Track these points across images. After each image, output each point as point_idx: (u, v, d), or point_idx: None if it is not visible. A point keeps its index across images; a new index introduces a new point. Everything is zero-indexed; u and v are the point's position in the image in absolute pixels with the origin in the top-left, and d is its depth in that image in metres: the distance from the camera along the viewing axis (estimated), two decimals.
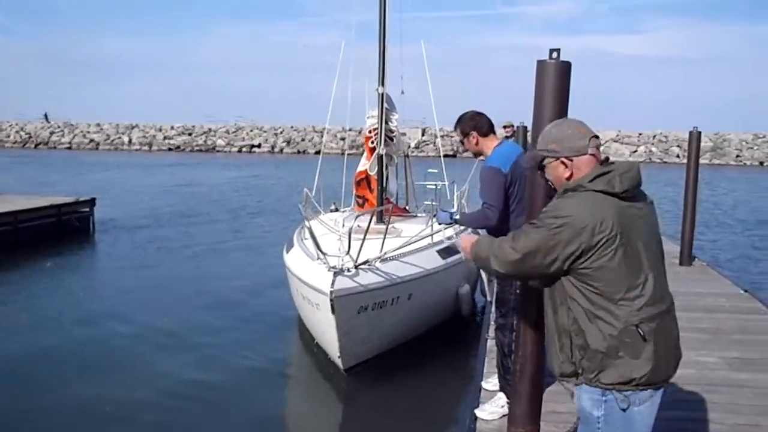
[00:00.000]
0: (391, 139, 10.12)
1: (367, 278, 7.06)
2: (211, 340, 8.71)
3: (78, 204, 17.38)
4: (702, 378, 5.43)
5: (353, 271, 6.90)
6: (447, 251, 8.49)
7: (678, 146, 55.63)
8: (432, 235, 8.37)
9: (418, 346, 8.19)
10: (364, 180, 10.38)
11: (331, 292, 6.66)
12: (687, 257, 10.33)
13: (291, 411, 7.21)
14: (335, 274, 6.71)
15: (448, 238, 8.44)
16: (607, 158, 2.76)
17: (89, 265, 14.61)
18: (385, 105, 9.78)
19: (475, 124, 4.85)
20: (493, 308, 5.15)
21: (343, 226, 7.57)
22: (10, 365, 7.82)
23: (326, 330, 7.09)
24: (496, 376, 5.09)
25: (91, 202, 17.69)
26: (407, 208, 11.30)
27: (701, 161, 11.61)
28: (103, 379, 7.39)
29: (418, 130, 59.01)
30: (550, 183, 2.85)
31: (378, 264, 7.25)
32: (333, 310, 6.74)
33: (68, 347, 8.49)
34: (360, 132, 10.47)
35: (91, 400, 6.77)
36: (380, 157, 9.85)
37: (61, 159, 49.70)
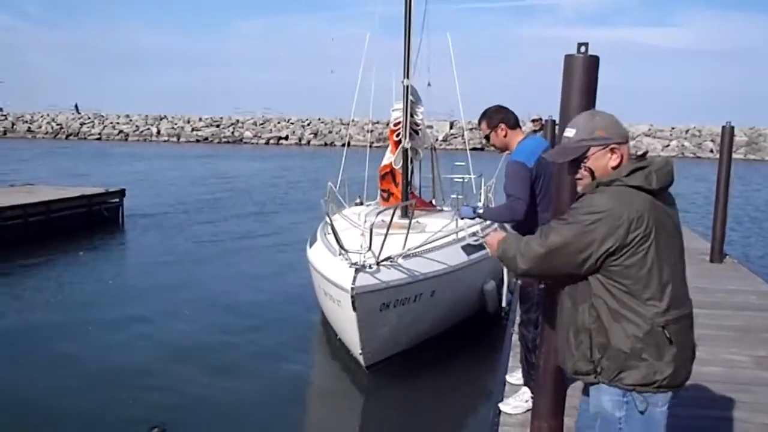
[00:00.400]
0: (417, 133, 9.95)
1: (389, 275, 6.98)
2: (233, 336, 8.71)
3: (108, 195, 17.65)
4: (731, 376, 5.36)
5: (375, 267, 6.83)
6: (472, 247, 8.37)
7: (711, 141, 54.74)
8: (457, 230, 8.24)
9: (442, 342, 8.15)
10: (389, 174, 10.24)
11: (353, 288, 6.59)
12: (718, 254, 10.18)
13: (313, 407, 7.18)
14: (357, 271, 6.65)
15: (473, 234, 8.32)
16: (646, 153, 2.69)
17: (119, 256, 14.80)
18: (410, 97, 9.62)
19: (502, 117, 4.80)
20: (518, 304, 5.13)
21: (366, 221, 7.53)
22: (42, 347, 8.04)
23: (348, 327, 7.05)
24: (521, 370, 5.08)
25: (121, 193, 17.95)
26: (433, 202, 11.17)
27: (735, 156, 11.45)
28: (123, 362, 7.63)
29: (446, 123, 58.86)
30: (580, 178, 2.73)
31: (401, 260, 7.16)
32: (354, 307, 6.68)
33: (94, 340, 8.65)
34: (387, 125, 10.34)
35: (108, 387, 6.94)
36: (405, 151, 9.73)
37: (91, 150, 50.42)
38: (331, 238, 7.78)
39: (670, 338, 2.57)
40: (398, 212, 9.20)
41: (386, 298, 7.00)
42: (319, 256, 8.05)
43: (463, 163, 11.03)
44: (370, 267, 6.78)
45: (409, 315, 7.40)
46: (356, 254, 6.89)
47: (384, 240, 6.85)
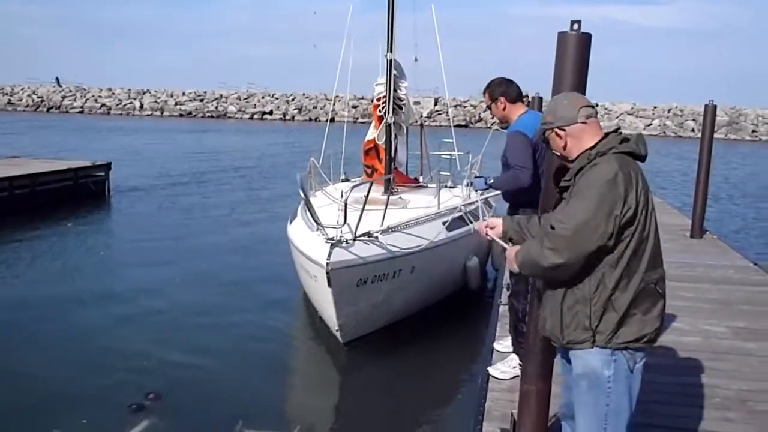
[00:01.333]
0: (400, 108, 9.77)
1: (367, 250, 6.86)
2: (215, 310, 8.73)
3: (94, 168, 17.62)
4: (709, 346, 5.57)
5: (352, 242, 6.70)
6: (454, 223, 8.20)
7: (693, 120, 55.21)
8: (438, 206, 8.17)
9: (425, 319, 8.13)
10: (372, 149, 10.12)
11: (328, 264, 6.49)
12: (698, 230, 10.40)
13: (292, 384, 7.10)
14: (332, 246, 6.55)
15: (455, 209, 8.26)
16: (618, 128, 2.93)
17: (106, 228, 14.83)
18: (393, 72, 9.42)
19: (503, 90, 4.88)
20: (507, 275, 5.27)
21: (344, 197, 7.47)
22: (31, 319, 8.12)
23: (325, 303, 6.94)
24: (509, 338, 5.24)
25: (107, 167, 17.92)
26: (420, 178, 11.14)
27: (716, 136, 11.62)
28: (115, 329, 7.82)
29: (431, 100, 58.75)
30: (556, 154, 2.98)
31: (379, 236, 7.04)
32: (330, 283, 6.58)
33: (89, 299, 8.79)
34: (372, 100, 10.26)
35: (103, 347, 7.17)
36: (388, 126, 9.55)
37: (74, 123, 49.90)
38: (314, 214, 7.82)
39: (661, 294, 2.80)
40: (380, 188, 9.23)
41: (363, 274, 6.89)
42: (298, 231, 7.93)
43: (450, 140, 11.04)
44: (346, 242, 6.67)
45: (388, 291, 7.31)
46: (333, 229, 6.75)
47: (360, 215, 6.73)
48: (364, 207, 6.76)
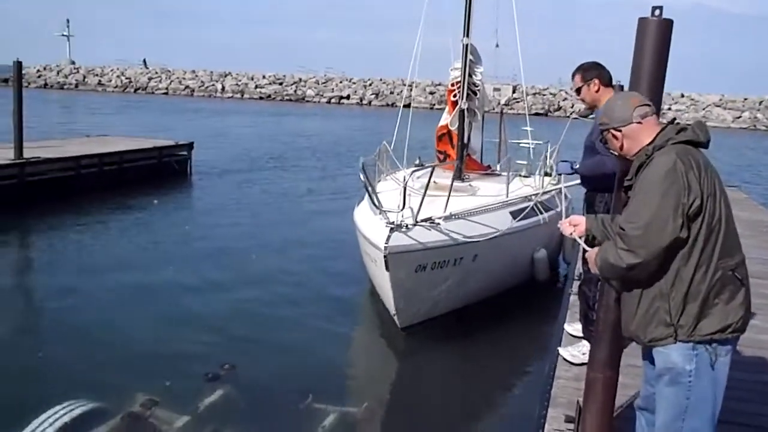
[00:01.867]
0: (475, 93, 9.58)
1: (427, 236, 6.80)
2: (286, 289, 8.94)
3: (177, 147, 18.29)
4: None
5: (412, 227, 6.65)
6: (522, 213, 8.08)
7: None
8: (507, 194, 8.03)
9: (492, 307, 8.06)
10: (446, 135, 9.99)
11: (386, 248, 6.48)
12: None
13: (360, 364, 7.24)
14: (391, 230, 6.54)
15: (527, 199, 8.13)
16: (674, 119, 2.90)
17: (189, 204, 15.48)
18: (469, 57, 9.28)
19: (597, 73, 4.80)
20: (579, 264, 5.24)
21: (410, 181, 7.31)
22: (122, 284, 8.61)
23: (383, 286, 6.96)
24: (580, 325, 5.22)
25: (190, 146, 18.54)
26: (497, 166, 10.86)
27: None
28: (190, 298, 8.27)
29: (509, 87, 58.03)
30: (614, 153, 2.97)
31: (441, 222, 6.94)
32: (387, 267, 6.58)
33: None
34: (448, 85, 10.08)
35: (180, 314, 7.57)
36: (461, 112, 9.39)
37: (158, 104, 51.68)
38: (375, 198, 7.69)
39: (741, 280, 2.74)
40: (451, 174, 9.13)
41: (422, 260, 6.85)
42: (362, 215, 7.95)
43: (530, 129, 10.82)
44: (406, 227, 6.62)
45: (448, 278, 7.25)
46: (394, 214, 6.73)
47: (422, 200, 6.69)
48: (425, 192, 6.74)
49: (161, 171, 17.27)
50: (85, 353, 6.62)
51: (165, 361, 6.48)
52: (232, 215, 13.67)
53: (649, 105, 2.87)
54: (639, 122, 2.82)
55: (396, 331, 7.24)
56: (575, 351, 4.96)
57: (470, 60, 9.32)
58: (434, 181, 7.67)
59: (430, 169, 8.49)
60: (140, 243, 11.19)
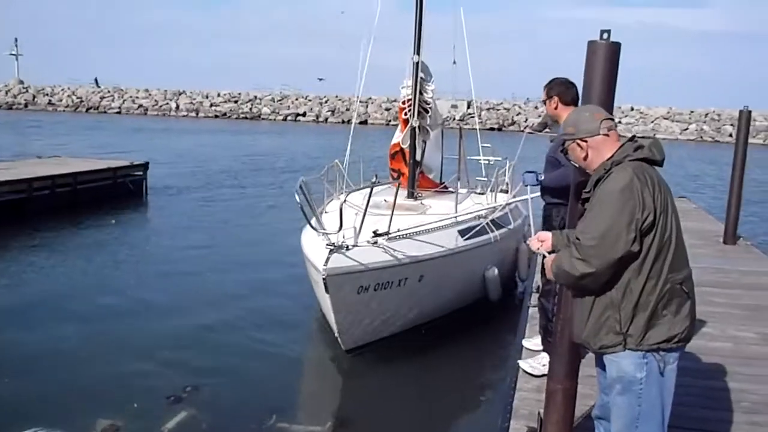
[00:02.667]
0: (426, 111, 9.41)
1: (370, 256, 6.62)
2: (239, 310, 8.79)
3: (132, 168, 18.05)
4: (738, 351, 5.59)
5: (353, 248, 6.47)
6: (472, 231, 7.94)
7: (731, 125, 54.14)
8: (456, 212, 7.88)
9: (449, 325, 7.99)
10: (398, 153, 9.76)
11: (325, 269, 6.30)
12: (731, 236, 10.33)
13: (325, 384, 7.16)
14: (331, 251, 6.34)
15: (478, 218, 8.04)
16: (634, 136, 3.00)
17: (146, 225, 15.29)
18: (420, 75, 9.14)
19: (560, 91, 4.97)
20: (537, 276, 5.37)
21: (361, 200, 7.05)
22: (86, 301, 8.45)
23: (326, 309, 6.81)
24: (538, 338, 5.34)
25: (145, 166, 18.32)
26: (457, 184, 10.50)
27: (754, 141, 11.52)
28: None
29: (464, 102, 58.74)
30: (575, 164, 3.11)
31: (385, 242, 6.79)
32: (327, 289, 6.42)
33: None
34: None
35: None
36: (413, 130, 9.22)
37: (111, 124, 50.85)
38: (324, 217, 7.44)
39: (687, 293, 2.87)
40: (402, 193, 8.90)
41: (364, 281, 6.67)
42: (307, 237, 7.53)
43: (489, 145, 10.86)
44: (347, 248, 6.43)
45: (393, 299, 7.09)
46: (334, 234, 6.47)
47: (362, 220, 6.56)
48: (365, 212, 6.60)
49: (116, 192, 16.98)
50: (45, 381, 6.46)
51: (125, 386, 6.36)
52: (187, 236, 13.52)
53: (612, 119, 3.00)
54: (606, 134, 2.93)
55: (343, 355, 7.11)
56: (535, 363, 5.07)
57: (421, 77, 9.23)
58: (384, 200, 7.63)
59: (383, 187, 8.48)
60: (94, 266, 10.97)
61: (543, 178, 5.07)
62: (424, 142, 9.57)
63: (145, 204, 17.41)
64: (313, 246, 6.99)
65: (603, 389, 3.14)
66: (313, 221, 6.61)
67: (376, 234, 6.85)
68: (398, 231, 7.00)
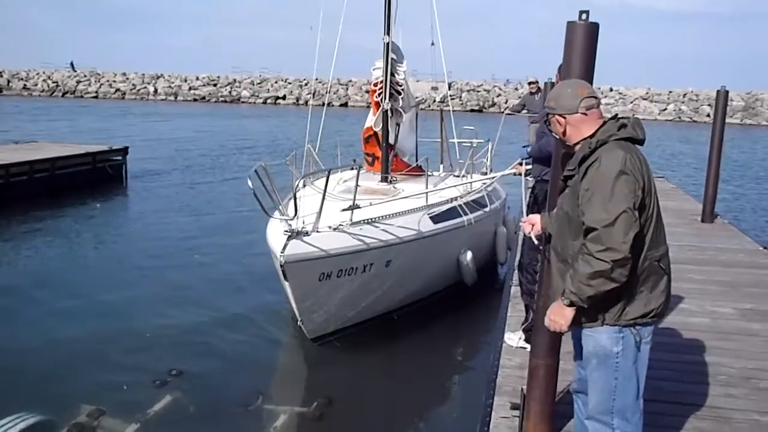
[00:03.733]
0: (399, 93, 9.08)
1: (332, 242, 6.42)
2: (222, 293, 8.79)
3: (111, 152, 17.87)
4: (716, 327, 5.71)
5: (314, 234, 6.27)
6: (444, 214, 7.75)
7: (709, 105, 54.59)
8: (426, 196, 7.68)
9: (423, 311, 7.94)
10: (372, 137, 9.49)
11: (282, 256, 6.08)
12: (709, 215, 10.48)
13: (311, 364, 7.09)
14: (289, 238, 6.11)
15: (451, 200, 7.95)
16: (616, 115, 3.03)
17: (125, 210, 15.21)
18: (391, 56, 8.81)
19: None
20: (519, 253, 5.43)
21: (337, 184, 6.92)
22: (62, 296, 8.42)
23: (287, 296, 6.61)
24: (516, 333, 5.37)
25: (124, 151, 18.15)
26: (439, 167, 10.67)
27: (731, 121, 11.65)
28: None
29: (444, 84, 58.61)
30: (555, 136, 3.14)
31: (349, 227, 6.59)
32: (285, 277, 6.24)
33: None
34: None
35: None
36: (385, 113, 8.93)
37: (88, 108, 50.18)
38: (291, 203, 7.02)
39: (664, 269, 2.93)
40: (375, 177, 8.98)
41: (326, 268, 6.46)
42: (272, 223, 7.17)
43: (472, 127, 10.72)
44: (306, 234, 6.22)
45: (359, 286, 6.90)
46: (295, 220, 6.25)
47: (321, 205, 6.34)
48: (323, 197, 6.36)
49: (95, 177, 16.83)
50: (28, 366, 6.46)
51: (110, 371, 6.40)
52: (170, 220, 13.47)
53: (595, 97, 3.00)
54: (584, 113, 2.95)
55: (308, 343, 6.99)
56: (515, 336, 5.18)
57: (392, 58, 8.90)
58: (358, 185, 7.38)
59: (318, 172, 8.31)
60: (76, 251, 10.95)
61: (529, 149, 5.21)
62: (398, 125, 9.33)
63: (125, 189, 17.28)
64: (273, 233, 6.78)
65: (580, 363, 3.20)
66: (271, 208, 6.35)
67: (349, 212, 6.71)
68: (362, 216, 6.78)
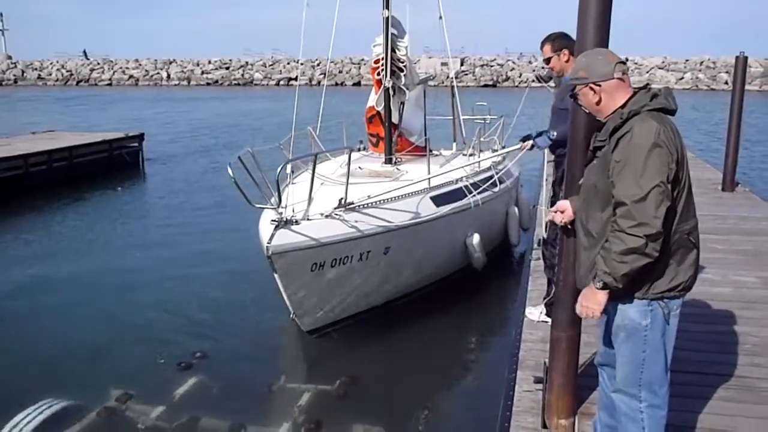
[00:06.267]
0: (401, 70, 8.68)
1: (324, 230, 6.07)
2: (241, 275, 8.69)
3: (127, 139, 18.03)
4: (739, 296, 5.67)
5: (303, 222, 5.93)
6: (448, 196, 7.35)
7: (726, 72, 53.87)
8: (429, 178, 7.27)
9: (440, 292, 7.73)
10: (375, 116, 9.05)
11: (268, 247, 5.76)
12: (729, 183, 10.37)
13: (335, 345, 6.89)
14: (276, 227, 5.78)
15: (457, 181, 7.59)
16: (647, 84, 2.95)
17: (144, 195, 15.26)
18: (392, 31, 8.40)
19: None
20: (539, 229, 5.39)
21: (340, 168, 6.41)
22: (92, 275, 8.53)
23: (279, 289, 6.25)
24: (537, 308, 5.36)
25: (140, 137, 18.30)
26: (452, 145, 10.42)
27: (750, 88, 11.43)
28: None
29: (457, 60, 58.16)
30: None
31: (342, 213, 6.21)
32: (273, 268, 5.93)
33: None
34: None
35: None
36: (386, 91, 8.55)
37: (103, 96, 50.42)
38: (291, 189, 6.75)
39: (694, 243, 2.88)
40: (380, 158, 8.60)
41: (318, 257, 6.13)
42: (265, 211, 6.52)
43: (485, 103, 10.50)
44: (295, 223, 5.88)
45: (356, 275, 6.59)
46: (285, 209, 5.91)
47: (310, 191, 6.05)
48: (312, 182, 6.07)
49: (112, 164, 17.01)
50: (56, 352, 6.55)
51: (136, 355, 6.48)
52: (190, 203, 13.62)
53: (625, 63, 2.91)
54: (620, 78, 2.86)
55: (304, 335, 6.74)
56: (538, 311, 5.18)
57: (393, 34, 8.44)
58: (359, 167, 7.18)
59: (362, 154, 7.98)
60: (99, 236, 11.09)
61: (554, 134, 5.01)
62: (402, 103, 8.91)
63: (142, 175, 17.41)
64: (264, 223, 6.30)
65: (605, 336, 3.18)
66: (245, 196, 5.83)
67: (342, 198, 6.31)
68: (358, 200, 6.39)
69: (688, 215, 2.86)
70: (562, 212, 3.28)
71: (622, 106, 2.83)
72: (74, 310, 7.68)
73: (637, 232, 2.64)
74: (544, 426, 3.77)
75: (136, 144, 18.11)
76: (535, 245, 7.14)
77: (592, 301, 2.85)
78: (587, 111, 3.02)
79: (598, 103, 2.90)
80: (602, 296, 2.82)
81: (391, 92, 8.60)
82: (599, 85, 2.87)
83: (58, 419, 5.25)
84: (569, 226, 3.28)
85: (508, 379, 4.65)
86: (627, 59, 59.51)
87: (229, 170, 5.65)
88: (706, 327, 5.00)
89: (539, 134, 5.31)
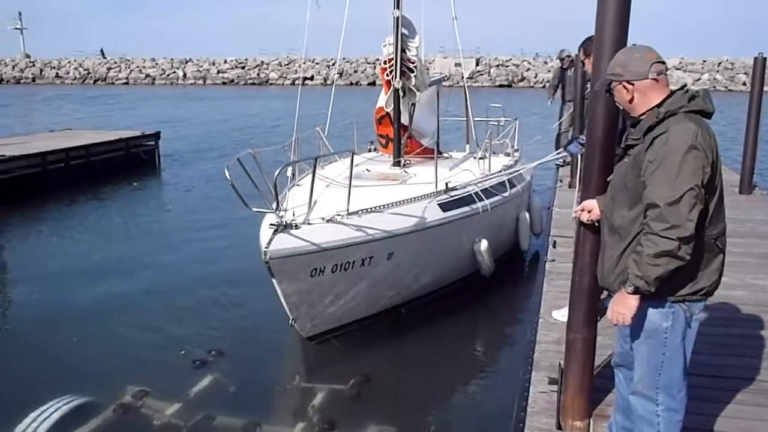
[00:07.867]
0: (411, 71, 8.51)
1: (325, 235, 5.92)
2: (257, 274, 8.11)
3: (144, 137, 18.17)
4: (756, 299, 5.62)
5: (303, 227, 5.79)
6: (456, 202, 7.18)
7: (745, 74, 53.37)
8: (436, 182, 7.12)
9: (432, 305, 7.58)
10: (385, 117, 8.88)
11: (266, 252, 5.63)
12: (747, 186, 10.28)
13: (351, 344, 6.84)
14: (275, 231, 5.65)
15: (464, 186, 7.43)
16: (684, 85, 2.92)
17: (161, 194, 15.34)
18: (402, 31, 8.26)
19: None
20: (555, 231, 5.36)
21: (346, 171, 6.26)
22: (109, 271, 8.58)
23: (277, 294, 6.12)
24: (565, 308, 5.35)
25: (156, 136, 18.42)
26: (465, 147, 10.28)
27: None
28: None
29: (472, 60, 58.05)
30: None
31: (344, 218, 6.04)
32: (271, 273, 5.80)
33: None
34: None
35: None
36: (396, 92, 8.41)
37: (119, 94, 50.78)
38: (295, 191, 6.62)
39: (721, 248, 2.87)
40: (389, 160, 8.50)
41: (319, 263, 5.99)
42: (267, 215, 6.32)
43: (499, 105, 10.37)
44: (295, 227, 5.74)
45: (358, 281, 6.46)
46: (284, 212, 5.78)
47: (311, 195, 5.88)
48: (312, 185, 5.88)
49: (129, 162, 17.14)
50: (73, 350, 6.62)
51: (152, 353, 6.53)
52: (207, 201, 13.67)
53: (664, 63, 2.87)
54: (654, 79, 2.82)
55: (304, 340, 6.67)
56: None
57: (403, 34, 8.29)
58: (366, 170, 7.09)
59: (372, 155, 7.87)
60: (116, 234, 11.19)
61: (583, 138, 5.01)
62: (413, 105, 8.73)
63: (158, 173, 17.53)
64: (264, 227, 6.14)
65: (622, 337, 3.16)
66: (243, 199, 5.55)
67: (345, 201, 6.14)
68: (361, 204, 6.25)
69: (718, 220, 2.83)
70: (588, 211, 3.28)
71: (659, 105, 2.80)
72: (91, 306, 7.74)
73: (670, 235, 2.62)
74: (559, 427, 3.77)
75: (153, 142, 18.25)
76: (550, 246, 7.12)
77: (623, 306, 2.85)
78: (620, 107, 3.00)
79: (631, 101, 2.89)
80: (633, 301, 2.81)
81: (400, 93, 8.48)
82: (633, 84, 2.85)
83: (74, 415, 5.30)
84: (596, 224, 3.27)
85: (523, 380, 4.65)
86: None
87: (226, 173, 5.44)
88: (723, 330, 4.96)
89: (569, 142, 5.36)
